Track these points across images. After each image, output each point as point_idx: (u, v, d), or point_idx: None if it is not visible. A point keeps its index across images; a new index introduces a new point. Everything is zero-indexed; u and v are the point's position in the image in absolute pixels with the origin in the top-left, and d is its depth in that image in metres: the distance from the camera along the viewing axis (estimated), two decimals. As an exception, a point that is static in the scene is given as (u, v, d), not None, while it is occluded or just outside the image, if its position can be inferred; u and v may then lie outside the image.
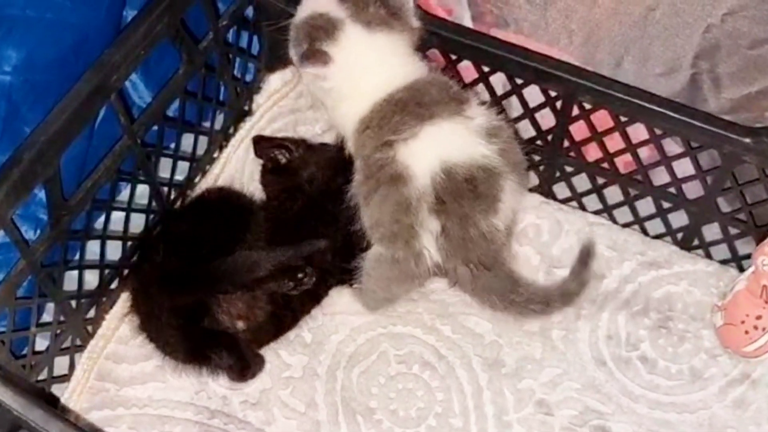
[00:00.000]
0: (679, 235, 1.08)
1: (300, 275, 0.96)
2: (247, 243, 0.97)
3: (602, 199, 1.10)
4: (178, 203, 1.10)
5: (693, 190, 1.03)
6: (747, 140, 0.94)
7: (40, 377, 0.96)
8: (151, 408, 0.98)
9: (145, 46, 0.93)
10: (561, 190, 1.12)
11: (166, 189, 1.08)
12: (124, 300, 1.02)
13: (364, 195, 0.95)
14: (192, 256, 0.94)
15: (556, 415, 0.97)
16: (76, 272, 0.98)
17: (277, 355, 1.01)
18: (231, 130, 1.17)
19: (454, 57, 1.06)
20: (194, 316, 0.93)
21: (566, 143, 1.07)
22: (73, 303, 0.98)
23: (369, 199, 0.94)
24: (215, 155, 1.15)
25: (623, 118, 1.00)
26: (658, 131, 1.00)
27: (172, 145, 1.09)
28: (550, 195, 1.12)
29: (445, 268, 0.96)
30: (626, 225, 1.10)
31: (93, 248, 1.00)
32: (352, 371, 1.01)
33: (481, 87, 1.08)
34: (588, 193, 1.10)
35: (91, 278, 1.00)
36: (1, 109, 0.88)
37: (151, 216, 1.05)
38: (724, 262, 1.07)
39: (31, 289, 0.92)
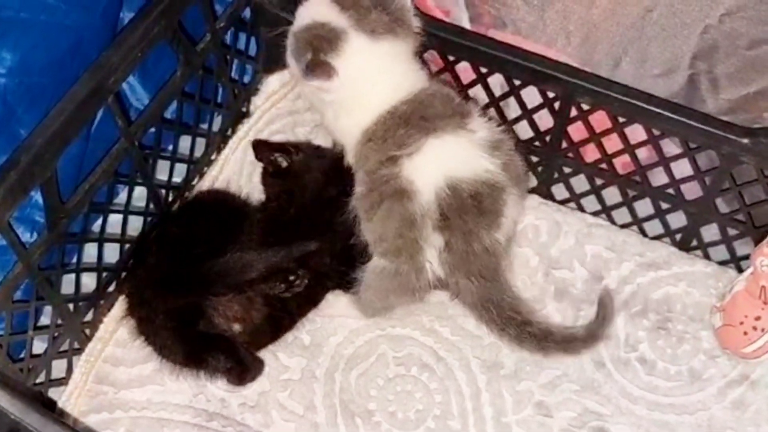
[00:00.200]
0: (678, 236, 1.08)
1: (292, 278, 0.96)
2: (241, 245, 0.96)
3: (601, 200, 1.10)
4: (175, 206, 1.10)
5: (691, 190, 1.03)
6: (745, 141, 0.94)
7: (38, 380, 0.96)
8: (150, 411, 0.97)
9: (142, 48, 0.92)
10: (559, 191, 1.12)
11: (163, 191, 1.08)
12: (121, 303, 1.02)
13: (366, 209, 0.94)
14: (185, 258, 0.94)
15: (555, 416, 0.97)
16: (73, 275, 0.98)
17: (275, 357, 1.01)
18: (229, 132, 1.17)
19: (452, 58, 1.06)
20: (189, 319, 0.93)
21: (564, 144, 1.07)
22: (71, 306, 0.97)
23: (372, 213, 0.93)
24: (213, 157, 1.15)
25: (621, 119, 1.00)
26: (656, 132, 1.00)
27: (170, 147, 1.08)
28: (548, 196, 1.12)
29: (447, 281, 0.95)
30: (625, 226, 1.10)
31: (90, 251, 1.00)
32: (351, 373, 1.00)
33: (479, 88, 1.08)
34: (586, 194, 1.10)
35: (89, 281, 1.00)
36: (-3, 112, 0.88)
37: (149, 218, 1.05)
38: (722, 263, 1.07)
39: (29, 292, 0.92)
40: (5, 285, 0.87)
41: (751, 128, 0.95)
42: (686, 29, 0.97)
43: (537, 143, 1.08)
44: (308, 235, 0.99)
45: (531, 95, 1.04)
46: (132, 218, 1.03)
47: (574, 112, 1.02)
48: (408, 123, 0.92)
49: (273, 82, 1.18)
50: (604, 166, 1.06)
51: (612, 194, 1.09)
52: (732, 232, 1.04)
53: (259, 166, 1.14)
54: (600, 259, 1.07)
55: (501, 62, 1.02)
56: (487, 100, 1.08)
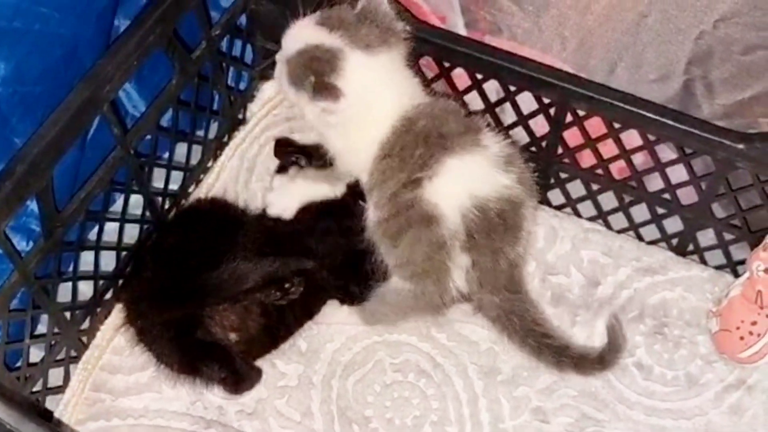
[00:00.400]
0: (674, 241, 1.08)
1: (287, 285, 0.96)
2: (237, 254, 0.96)
3: (597, 205, 1.10)
4: (171, 214, 1.10)
5: (687, 196, 1.03)
6: (740, 146, 0.94)
7: (35, 389, 0.95)
8: (147, 418, 0.97)
9: (137, 57, 0.92)
10: (555, 196, 1.12)
11: (160, 199, 1.08)
12: (118, 310, 1.02)
13: (391, 235, 0.93)
14: (181, 270, 0.94)
15: (552, 422, 0.97)
16: (70, 283, 0.98)
17: (272, 364, 1.01)
18: (225, 139, 1.17)
19: (447, 64, 1.06)
20: (186, 329, 0.93)
21: (560, 150, 1.07)
22: (68, 314, 0.97)
23: (398, 239, 0.92)
24: (209, 164, 1.15)
25: (617, 125, 1.01)
26: (651, 137, 1.00)
27: (166, 155, 1.08)
28: (544, 201, 1.12)
29: (470, 296, 0.96)
30: (621, 231, 1.10)
31: (87, 258, 1.00)
32: (348, 380, 1.00)
33: (475, 94, 1.08)
34: (583, 199, 1.10)
35: (86, 288, 1.00)
36: (-9, 121, 0.88)
37: (145, 226, 1.05)
38: (719, 267, 1.07)
39: (25, 301, 0.92)
40: (1, 294, 0.87)
41: (746, 133, 0.95)
42: (681, 35, 0.97)
43: (533, 149, 1.08)
44: (306, 245, 0.99)
45: (527, 101, 1.04)
46: (128, 226, 1.03)
47: (569, 118, 1.03)
48: (426, 142, 0.90)
49: (269, 89, 1.18)
50: (600, 171, 1.07)
51: (608, 199, 1.09)
52: (728, 236, 1.04)
53: (256, 173, 1.15)
54: (596, 265, 1.07)
55: (496, 68, 1.02)
56: (482, 106, 1.08)
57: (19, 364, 0.93)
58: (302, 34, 0.93)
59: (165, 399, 0.99)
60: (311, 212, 1.01)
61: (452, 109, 0.94)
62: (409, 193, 0.90)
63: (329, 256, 1.00)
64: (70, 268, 0.98)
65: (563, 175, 1.10)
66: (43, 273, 0.92)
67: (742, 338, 0.97)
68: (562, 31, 1.04)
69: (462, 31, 1.10)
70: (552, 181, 1.10)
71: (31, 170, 0.84)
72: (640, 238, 1.10)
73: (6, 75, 0.86)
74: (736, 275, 1.04)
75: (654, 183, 1.05)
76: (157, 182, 1.07)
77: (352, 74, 0.90)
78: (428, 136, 0.91)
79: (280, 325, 0.99)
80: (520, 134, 1.08)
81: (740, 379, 0.99)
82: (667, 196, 1.04)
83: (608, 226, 1.11)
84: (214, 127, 1.15)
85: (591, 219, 1.11)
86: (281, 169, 1.09)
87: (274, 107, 1.18)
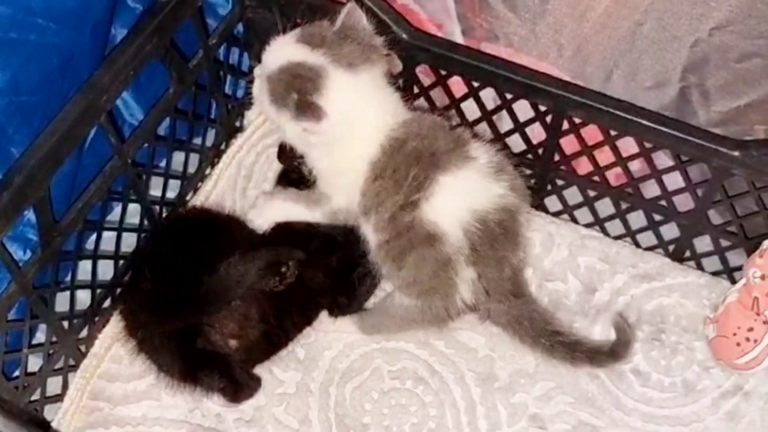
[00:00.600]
0: (671, 247, 1.08)
1: (283, 269, 0.95)
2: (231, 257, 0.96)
3: (594, 211, 1.10)
4: (165, 222, 1.10)
5: (684, 202, 1.04)
6: (736, 153, 0.94)
7: (33, 398, 0.96)
8: (145, 426, 0.98)
9: (134, 67, 0.93)
10: (552, 203, 1.12)
11: (157, 207, 1.08)
12: (116, 319, 1.02)
13: (394, 257, 0.93)
14: (179, 278, 0.94)
15: (550, 429, 0.98)
16: (67, 292, 0.98)
17: (270, 371, 1.01)
18: (222, 147, 1.17)
19: (444, 72, 1.07)
20: (187, 338, 0.93)
21: (557, 157, 1.07)
22: (66, 323, 0.98)
23: (402, 261, 0.92)
24: (207, 172, 1.15)
25: (613, 132, 1.01)
26: (648, 145, 1.00)
27: (163, 163, 1.08)
28: (541, 208, 1.12)
29: (478, 307, 0.96)
30: (618, 237, 1.10)
31: (85, 267, 1.00)
32: (346, 387, 1.01)
33: (471, 101, 1.08)
34: (579, 206, 1.11)
35: (84, 297, 1.01)
36: (-13, 131, 0.88)
37: (143, 235, 1.05)
38: (715, 273, 1.07)
39: (23, 310, 0.92)
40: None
41: (742, 141, 0.95)
42: (676, 43, 0.97)
43: (530, 156, 1.09)
44: (307, 249, 0.99)
45: (523, 109, 1.05)
46: (126, 234, 1.03)
47: (566, 126, 1.03)
48: (419, 162, 0.90)
49: (266, 97, 1.18)
50: (596, 178, 1.07)
51: (605, 206, 1.09)
52: (725, 243, 1.04)
53: (253, 180, 1.15)
54: (593, 271, 1.07)
55: (493, 77, 1.02)
56: (479, 114, 1.08)
57: (17, 373, 0.94)
58: (284, 50, 0.91)
59: (163, 407, 0.99)
60: (282, 234, 1.00)
61: (439, 126, 0.94)
62: (408, 215, 0.90)
63: (326, 259, 1.01)
64: (68, 278, 0.98)
65: (560, 182, 1.10)
66: (41, 282, 0.93)
67: (738, 344, 0.97)
68: (558, 39, 1.04)
69: (459, 39, 1.10)
70: (549, 188, 1.11)
71: (28, 181, 0.84)
72: (637, 244, 1.10)
73: (2, 85, 0.86)
74: (733, 281, 1.04)
75: (650, 190, 1.05)
76: (155, 190, 1.08)
77: (335, 93, 0.89)
78: (420, 157, 0.90)
79: (279, 332, 0.99)
80: (516, 142, 1.08)
81: (737, 385, 0.99)
82: (663, 202, 1.05)
83: (605, 233, 1.11)
84: (211, 135, 1.15)
85: (588, 225, 1.11)
86: (282, 177, 1.09)
87: (271, 115, 1.18)
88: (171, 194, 1.10)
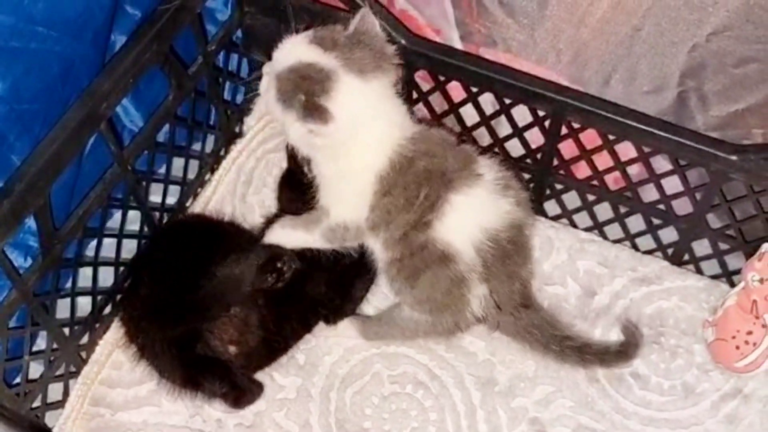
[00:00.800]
0: (670, 251, 1.08)
1: (279, 264, 0.95)
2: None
3: (593, 216, 1.11)
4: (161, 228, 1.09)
5: (682, 206, 1.04)
6: (734, 158, 0.95)
7: (35, 404, 0.96)
8: (146, 432, 0.98)
9: (133, 75, 0.93)
10: (551, 207, 1.13)
11: (157, 214, 1.08)
12: (117, 325, 1.02)
13: (407, 276, 0.93)
14: (179, 284, 0.94)
15: (550, 433, 0.98)
16: (68, 299, 0.98)
17: (270, 377, 1.01)
18: (222, 153, 1.17)
19: (442, 78, 1.07)
20: (187, 344, 0.94)
21: (556, 161, 1.07)
22: (66, 330, 0.98)
23: (416, 280, 0.92)
24: (207, 178, 1.15)
25: (611, 137, 1.01)
26: (646, 149, 1.00)
27: (163, 169, 1.09)
28: (540, 212, 1.12)
29: (488, 319, 0.96)
30: (617, 241, 1.11)
31: (85, 273, 1.00)
32: (346, 392, 1.01)
33: (470, 106, 1.08)
34: (578, 210, 1.11)
35: (84, 303, 1.01)
36: (-12, 139, 0.88)
37: (143, 241, 1.06)
38: (714, 277, 1.07)
39: (24, 318, 0.92)
40: (0, 312, 0.87)
41: (740, 145, 0.96)
42: (674, 48, 0.97)
43: (528, 161, 1.09)
44: (308, 259, 0.99)
45: (522, 113, 1.05)
46: (126, 241, 1.03)
47: (564, 130, 1.03)
48: (429, 181, 0.90)
49: (265, 102, 1.19)
50: (595, 182, 1.07)
51: (604, 210, 1.09)
52: (723, 246, 1.05)
53: (253, 186, 1.15)
54: (592, 275, 1.08)
55: (491, 82, 1.02)
56: (478, 119, 1.09)
57: (18, 380, 0.94)
58: (295, 50, 0.90)
59: (164, 413, 0.99)
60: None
61: (447, 143, 0.94)
62: (421, 234, 0.90)
63: (327, 269, 1.00)
64: (68, 284, 0.98)
65: (559, 187, 1.10)
66: (42, 289, 0.93)
67: (737, 348, 0.97)
68: (556, 44, 1.05)
69: (457, 44, 1.10)
70: (548, 192, 1.11)
71: (29, 189, 0.84)
72: (635, 248, 1.10)
73: (3, 93, 0.87)
74: (732, 285, 1.04)
75: (649, 194, 1.05)
76: (155, 197, 1.08)
77: (343, 97, 0.87)
78: (430, 177, 0.90)
79: (278, 338, 0.99)
80: (515, 146, 1.09)
81: (736, 388, 0.99)
82: (662, 206, 1.05)
83: (604, 237, 1.11)
84: (210, 141, 1.15)
85: (587, 230, 1.12)
86: (284, 182, 1.08)
87: (271, 120, 1.18)
88: (171, 200, 1.10)
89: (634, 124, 0.97)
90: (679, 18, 0.95)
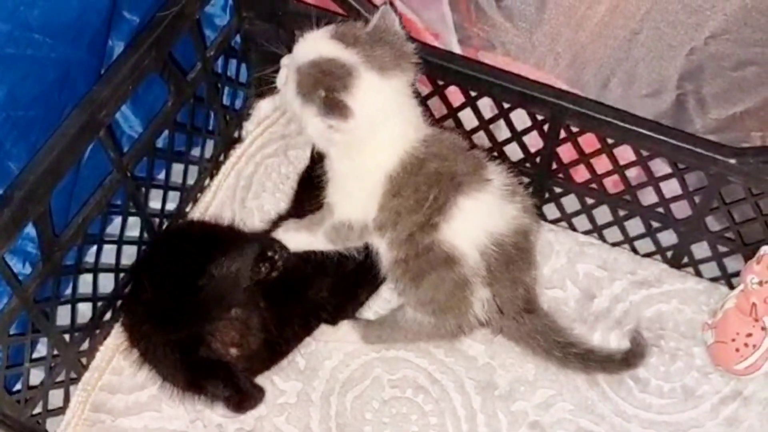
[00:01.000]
0: (669, 254, 1.08)
1: (270, 253, 0.95)
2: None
3: (592, 219, 1.11)
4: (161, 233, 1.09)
5: (681, 209, 1.04)
6: (732, 161, 0.95)
7: (35, 411, 0.96)
8: (147, 437, 0.98)
9: (132, 82, 0.93)
10: (550, 211, 1.13)
11: (157, 220, 1.08)
12: (117, 331, 1.03)
13: (411, 277, 0.93)
14: (180, 287, 0.94)
15: (550, 436, 0.98)
16: (68, 306, 0.98)
17: (271, 381, 1.01)
18: (221, 158, 1.17)
19: (441, 82, 1.07)
20: (190, 347, 0.94)
21: (555, 165, 1.08)
22: (67, 337, 0.98)
23: (420, 281, 0.93)
24: (206, 183, 1.15)
25: (610, 140, 1.01)
26: (645, 152, 1.00)
27: (162, 175, 1.09)
28: (540, 216, 1.12)
29: (491, 323, 0.97)
30: (616, 244, 1.11)
31: (85, 279, 1.00)
32: (346, 396, 1.01)
33: (468, 110, 1.08)
34: (577, 213, 1.11)
35: (84, 309, 1.01)
36: (-16, 146, 0.88)
37: (143, 247, 1.06)
38: (713, 279, 1.07)
39: (24, 325, 0.92)
40: (1, 320, 0.87)
41: (738, 148, 0.96)
42: (672, 51, 0.97)
43: (527, 164, 1.09)
44: (312, 262, 1.00)
45: (520, 117, 1.05)
46: (126, 247, 1.03)
47: (563, 134, 1.03)
48: (439, 183, 0.90)
49: (265, 107, 1.18)
50: (594, 185, 1.07)
51: (603, 213, 1.10)
52: (722, 249, 1.05)
53: (252, 191, 1.15)
54: (592, 278, 1.08)
55: (489, 86, 1.02)
56: (476, 123, 1.09)
57: (19, 386, 0.94)
58: (317, 45, 0.89)
59: (165, 418, 0.99)
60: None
61: (458, 147, 0.94)
62: (427, 236, 0.90)
63: (329, 272, 1.01)
64: (69, 291, 0.98)
65: (558, 190, 1.10)
66: (42, 296, 0.93)
67: (737, 350, 0.98)
68: (555, 47, 1.05)
69: (456, 48, 1.10)
70: (547, 195, 1.11)
71: (28, 197, 0.84)
72: (634, 251, 1.10)
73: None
74: (731, 287, 1.05)
75: (648, 197, 1.05)
76: (154, 203, 1.08)
77: (364, 94, 0.87)
78: (440, 180, 0.90)
79: (279, 340, 1.00)
80: (514, 150, 1.09)
81: (736, 390, 0.99)
82: (661, 209, 1.05)
83: (603, 240, 1.11)
84: (210, 147, 1.15)
85: (586, 233, 1.12)
86: (303, 183, 1.08)
87: (270, 125, 1.19)
88: (170, 206, 1.10)
89: (633, 127, 0.98)
90: (677, 21, 0.95)
